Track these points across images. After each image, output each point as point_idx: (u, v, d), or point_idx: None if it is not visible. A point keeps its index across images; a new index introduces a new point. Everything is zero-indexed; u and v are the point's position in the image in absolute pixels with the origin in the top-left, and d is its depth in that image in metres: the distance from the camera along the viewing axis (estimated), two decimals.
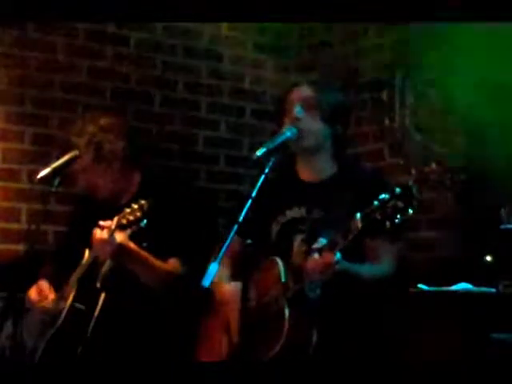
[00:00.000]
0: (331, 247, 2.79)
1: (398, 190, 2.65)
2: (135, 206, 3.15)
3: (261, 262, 3.09)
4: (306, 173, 3.18)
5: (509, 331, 3.12)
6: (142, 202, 3.15)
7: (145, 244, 3.39)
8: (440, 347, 3.22)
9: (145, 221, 3.16)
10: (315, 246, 2.84)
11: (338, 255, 2.78)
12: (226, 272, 3.18)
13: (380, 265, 3.02)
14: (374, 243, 3.01)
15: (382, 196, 2.67)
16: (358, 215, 2.72)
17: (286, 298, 2.90)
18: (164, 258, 3.43)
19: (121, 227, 3.20)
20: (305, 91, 3.13)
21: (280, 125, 3.14)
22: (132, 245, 3.30)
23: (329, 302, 2.89)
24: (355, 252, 2.90)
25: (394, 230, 2.80)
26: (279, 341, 2.85)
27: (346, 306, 2.96)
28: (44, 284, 3.57)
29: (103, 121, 3.54)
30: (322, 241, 2.84)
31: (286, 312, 2.88)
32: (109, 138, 3.49)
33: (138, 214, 3.15)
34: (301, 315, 2.88)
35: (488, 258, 3.53)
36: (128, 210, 3.17)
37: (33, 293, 3.54)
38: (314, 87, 3.14)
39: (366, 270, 2.99)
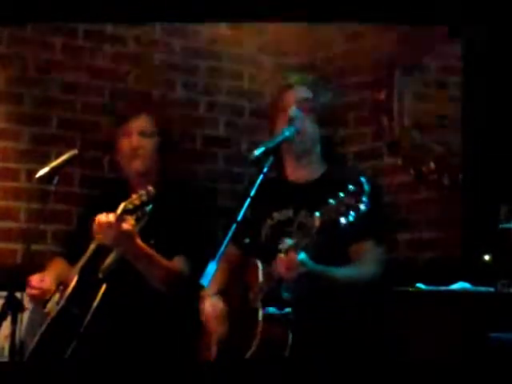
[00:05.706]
0: (295, 247, 2.80)
1: (350, 187, 2.65)
2: (142, 192, 3.17)
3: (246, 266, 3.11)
4: (295, 174, 3.18)
5: (508, 331, 3.12)
6: (149, 188, 3.17)
7: (152, 241, 3.39)
8: (439, 347, 3.22)
9: (150, 206, 3.16)
10: (282, 246, 2.86)
11: (302, 255, 2.78)
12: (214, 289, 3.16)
13: (362, 267, 3.01)
14: (358, 246, 3.00)
15: (340, 194, 2.66)
16: (317, 214, 2.73)
17: (259, 299, 2.92)
18: (170, 255, 3.43)
19: (127, 212, 3.19)
20: (300, 92, 3.14)
21: (274, 124, 3.14)
22: (138, 239, 3.29)
23: (304, 303, 2.89)
24: (341, 256, 2.90)
25: (378, 232, 2.81)
26: (254, 341, 2.88)
27: (322, 307, 2.96)
28: (49, 274, 3.54)
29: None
30: (288, 241, 2.86)
31: (259, 312, 2.90)
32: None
33: (144, 198, 3.15)
34: (275, 316, 2.89)
35: (487, 258, 3.53)
36: (135, 196, 3.19)
37: (34, 280, 3.50)
38: (309, 88, 3.15)
39: (342, 272, 2.97)
